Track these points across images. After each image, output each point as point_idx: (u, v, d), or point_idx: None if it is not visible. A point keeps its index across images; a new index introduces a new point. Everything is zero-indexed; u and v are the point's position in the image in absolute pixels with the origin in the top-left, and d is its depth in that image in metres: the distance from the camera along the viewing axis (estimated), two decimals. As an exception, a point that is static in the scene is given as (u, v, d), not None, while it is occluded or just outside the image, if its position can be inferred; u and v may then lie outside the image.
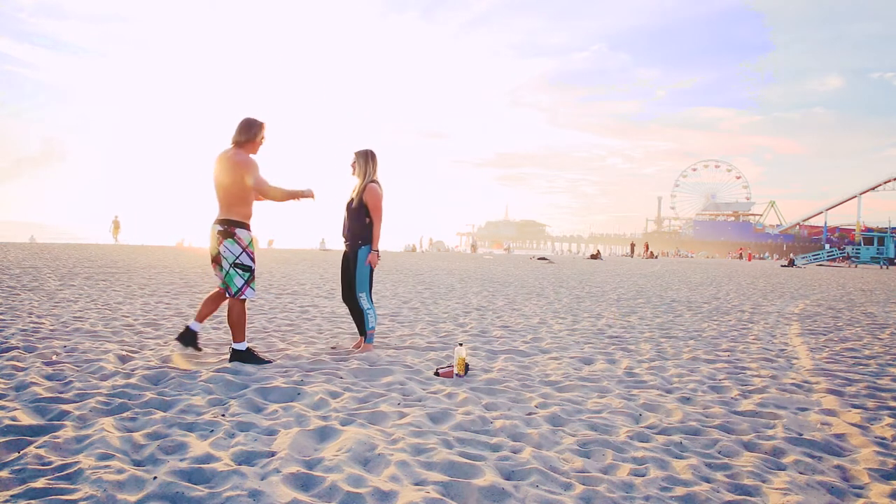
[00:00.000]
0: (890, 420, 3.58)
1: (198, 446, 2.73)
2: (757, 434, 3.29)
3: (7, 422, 2.89)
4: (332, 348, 5.19)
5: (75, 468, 2.42)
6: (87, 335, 5.32)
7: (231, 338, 4.46)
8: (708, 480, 2.65)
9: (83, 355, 4.45)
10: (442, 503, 2.29)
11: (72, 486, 2.28)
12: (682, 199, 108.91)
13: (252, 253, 4.37)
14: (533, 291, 11.94)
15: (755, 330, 7.41)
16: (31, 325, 5.64)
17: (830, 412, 3.76)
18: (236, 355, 4.42)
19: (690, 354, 5.58)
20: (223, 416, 3.21)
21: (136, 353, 4.66)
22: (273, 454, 2.71)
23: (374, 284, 5.30)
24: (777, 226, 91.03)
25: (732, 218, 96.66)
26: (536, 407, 3.67)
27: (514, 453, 2.87)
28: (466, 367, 4.40)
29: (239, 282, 4.32)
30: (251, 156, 4.34)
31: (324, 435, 2.99)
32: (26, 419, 2.99)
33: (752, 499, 2.49)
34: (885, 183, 76.54)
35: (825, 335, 7.12)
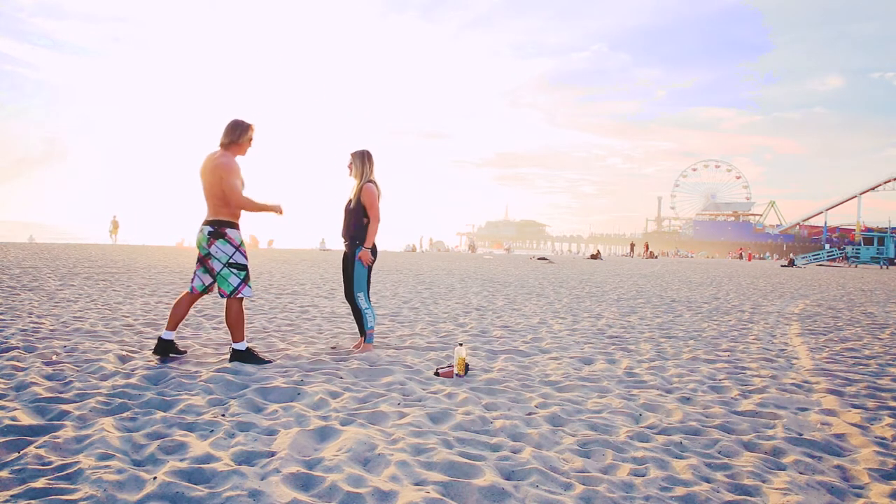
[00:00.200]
0: (890, 420, 3.58)
1: (198, 446, 2.74)
2: (757, 434, 3.29)
3: (7, 422, 2.89)
4: (332, 348, 5.20)
5: (75, 468, 2.42)
6: (87, 335, 5.32)
7: (230, 338, 4.46)
8: (708, 480, 2.65)
9: (83, 355, 4.45)
10: (442, 503, 2.29)
11: (72, 486, 2.28)
12: (682, 199, 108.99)
13: (245, 251, 4.37)
14: (533, 291, 11.94)
15: (755, 330, 7.41)
16: (31, 325, 5.64)
17: (830, 412, 3.76)
18: (236, 355, 4.42)
19: (690, 354, 5.58)
20: (223, 416, 3.21)
21: (136, 353, 4.66)
22: (273, 454, 2.71)
23: (373, 284, 5.30)
24: (777, 226, 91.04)
25: (732, 218, 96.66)
26: (536, 407, 3.67)
27: (514, 453, 2.87)
28: (466, 367, 4.40)
29: (235, 281, 4.32)
30: (236, 158, 4.33)
31: (324, 435, 2.99)
32: (26, 419, 2.99)
33: (752, 499, 2.49)
34: (885, 183, 76.55)
35: (825, 335, 7.12)
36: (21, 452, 2.57)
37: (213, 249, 4.26)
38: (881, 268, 38.04)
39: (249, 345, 4.89)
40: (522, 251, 74.64)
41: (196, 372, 4.08)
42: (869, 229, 62.77)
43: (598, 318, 8.02)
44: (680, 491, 2.51)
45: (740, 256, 59.10)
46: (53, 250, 19.39)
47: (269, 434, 2.99)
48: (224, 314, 4.47)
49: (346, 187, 5.12)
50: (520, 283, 14.20)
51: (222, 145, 4.33)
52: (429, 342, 5.74)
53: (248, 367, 4.26)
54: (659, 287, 14.24)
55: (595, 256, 35.33)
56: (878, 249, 46.82)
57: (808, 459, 2.92)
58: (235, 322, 4.39)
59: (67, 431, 2.83)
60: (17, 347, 4.58)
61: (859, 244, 50.25)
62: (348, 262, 5.08)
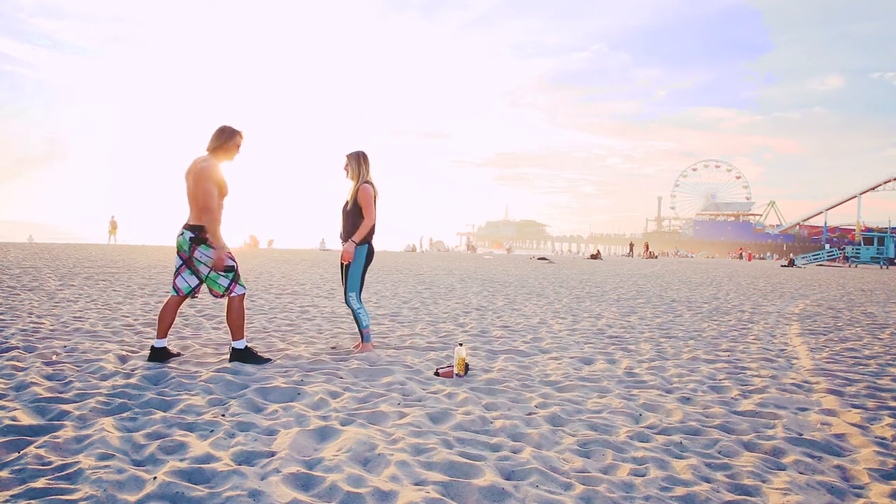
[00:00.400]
0: (890, 420, 3.58)
1: (198, 446, 2.74)
2: (757, 434, 3.29)
3: (7, 422, 2.89)
4: (332, 348, 5.20)
5: (75, 468, 2.42)
6: (87, 335, 5.32)
7: (230, 337, 4.46)
8: (708, 480, 2.65)
9: (83, 355, 4.45)
10: (442, 503, 2.29)
11: (72, 486, 2.28)
12: (682, 199, 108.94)
13: (230, 253, 4.36)
14: (533, 291, 11.94)
15: (755, 330, 7.41)
16: (31, 325, 5.64)
17: (830, 412, 3.76)
18: (236, 354, 4.42)
19: (690, 354, 5.58)
20: (223, 416, 3.21)
21: (136, 353, 4.66)
22: (273, 454, 2.71)
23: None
24: (777, 226, 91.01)
25: (732, 218, 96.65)
26: (536, 407, 3.67)
27: (514, 453, 2.87)
28: (466, 367, 4.40)
29: (224, 282, 4.33)
30: (223, 164, 4.33)
31: (324, 435, 2.99)
32: (26, 419, 2.99)
33: (752, 499, 2.49)
34: (885, 183, 76.51)
35: (825, 335, 7.12)
36: (21, 452, 2.57)
37: (196, 254, 4.25)
38: (881, 268, 38.03)
39: (249, 344, 4.90)
40: (522, 251, 74.66)
41: (196, 372, 4.08)
42: (869, 229, 62.76)
43: (598, 318, 8.02)
44: (680, 491, 2.51)
45: (740, 256, 59.09)
46: (53, 250, 19.39)
47: (269, 434, 2.99)
48: (225, 313, 4.47)
49: (346, 188, 5.13)
50: (520, 283, 14.20)
51: (209, 150, 4.35)
52: (429, 342, 5.74)
53: (248, 367, 4.26)
54: (659, 287, 14.24)
55: (595, 256, 35.33)
56: (878, 249, 46.82)
57: (808, 459, 2.92)
58: (236, 321, 4.40)
59: (67, 431, 2.83)
60: (17, 347, 4.58)
61: (859, 244, 50.25)
62: (345, 263, 5.09)
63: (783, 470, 2.81)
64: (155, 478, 2.36)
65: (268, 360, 4.51)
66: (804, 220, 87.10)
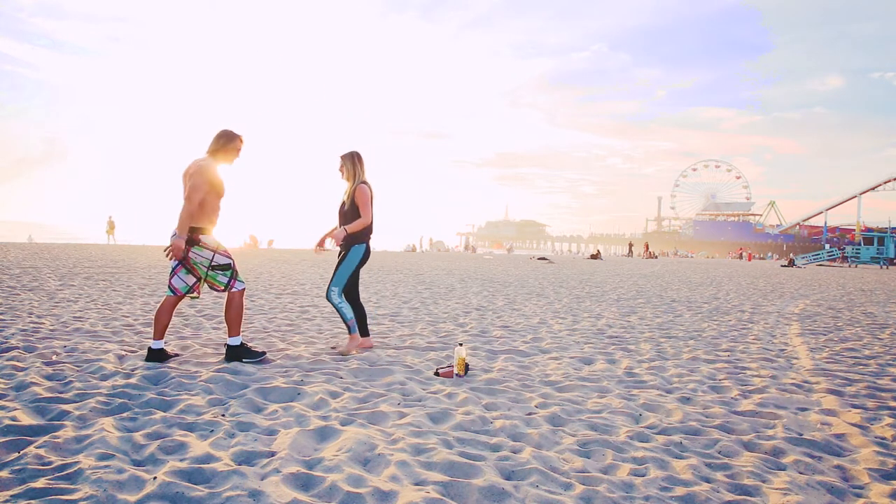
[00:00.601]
0: (890, 420, 3.58)
1: (198, 446, 2.73)
2: (757, 434, 3.29)
3: (7, 422, 2.89)
4: (332, 348, 5.19)
5: (75, 468, 2.42)
6: (87, 335, 5.32)
7: (227, 334, 4.47)
8: (708, 480, 2.65)
9: (83, 355, 4.45)
10: (442, 503, 2.29)
11: (72, 486, 2.28)
12: (682, 199, 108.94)
13: (225, 251, 4.36)
14: (533, 291, 11.94)
15: (755, 330, 7.41)
16: (31, 325, 5.64)
17: (830, 412, 3.76)
18: (231, 351, 4.44)
19: (690, 354, 5.58)
20: (223, 416, 3.21)
21: (136, 353, 4.66)
22: (273, 454, 2.71)
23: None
24: (777, 226, 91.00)
25: (732, 218, 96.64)
26: (536, 407, 3.67)
27: (514, 453, 2.87)
28: (466, 367, 4.40)
29: (223, 279, 4.35)
30: (221, 166, 4.36)
31: (324, 435, 2.99)
32: (26, 419, 2.99)
33: (752, 499, 2.49)
34: (885, 183, 76.52)
35: (825, 335, 7.12)
36: (21, 452, 2.57)
37: (191, 255, 4.27)
38: (881, 268, 38.03)
39: (249, 344, 4.90)
40: (522, 251, 74.66)
41: (196, 372, 4.08)
42: (869, 229, 62.76)
43: (598, 318, 8.02)
44: (680, 491, 2.51)
45: (740, 256, 59.08)
46: (53, 250, 19.39)
47: (269, 434, 2.99)
48: (224, 310, 4.48)
49: (342, 188, 5.13)
50: (520, 283, 14.20)
51: (208, 153, 4.39)
52: (429, 342, 5.74)
53: (248, 367, 4.26)
54: (659, 287, 14.24)
55: (595, 256, 35.32)
56: (878, 249, 46.82)
57: (808, 459, 2.92)
58: (235, 317, 4.43)
59: (67, 431, 2.82)
60: (17, 347, 4.58)
61: (859, 244, 50.24)
62: (341, 259, 5.08)
63: (783, 470, 2.81)
64: (155, 478, 2.36)
65: (263, 354, 4.52)
66: (804, 220, 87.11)
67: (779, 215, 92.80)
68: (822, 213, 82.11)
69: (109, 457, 2.56)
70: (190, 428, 3.01)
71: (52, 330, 5.46)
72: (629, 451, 2.97)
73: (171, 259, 4.28)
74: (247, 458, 2.66)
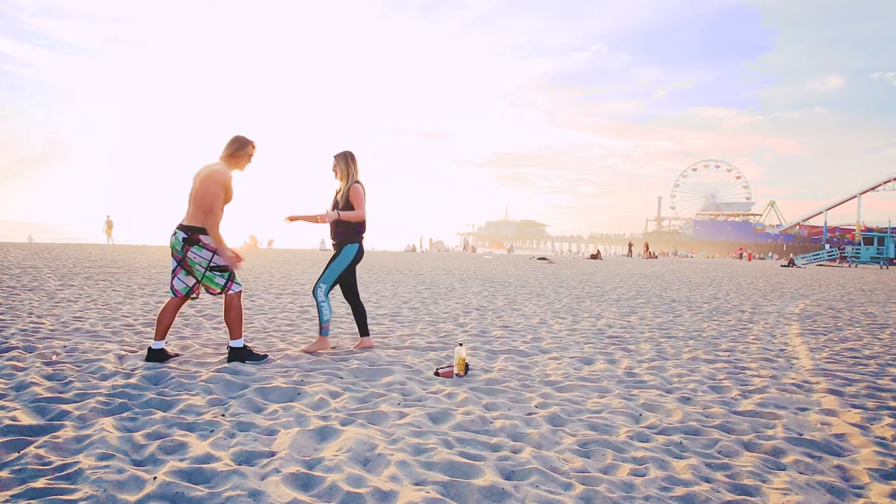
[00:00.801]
0: (890, 420, 3.58)
1: (198, 446, 2.73)
2: (757, 434, 3.29)
3: (7, 422, 2.89)
4: (332, 348, 5.19)
5: (75, 468, 2.42)
6: (87, 335, 5.32)
7: (228, 336, 4.47)
8: (708, 480, 2.65)
9: (83, 355, 4.45)
10: (442, 503, 2.29)
11: (72, 486, 2.28)
12: (682, 199, 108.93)
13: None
14: (533, 291, 11.94)
15: (755, 330, 7.41)
16: (31, 325, 5.64)
17: (830, 412, 3.76)
18: (234, 353, 4.43)
19: (690, 354, 5.58)
20: (223, 416, 3.21)
21: (136, 353, 4.66)
22: (273, 454, 2.71)
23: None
24: (777, 226, 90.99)
25: (732, 218, 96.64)
26: (536, 407, 3.67)
27: (514, 453, 2.87)
28: (466, 367, 4.40)
29: (220, 281, 4.34)
30: (231, 172, 4.38)
31: (324, 435, 2.99)
32: (26, 419, 2.99)
33: (752, 499, 2.49)
34: (885, 183, 76.49)
35: (825, 335, 7.12)
36: (21, 452, 2.57)
37: (190, 255, 4.27)
38: (881, 268, 38.03)
39: (249, 344, 4.90)
40: (523, 251, 74.68)
41: (196, 372, 4.08)
42: (869, 229, 62.75)
43: (598, 318, 8.02)
44: (680, 491, 2.51)
45: (740, 256, 59.08)
46: (53, 250, 19.39)
47: (269, 434, 2.99)
48: (223, 312, 4.48)
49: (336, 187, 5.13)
50: (520, 283, 14.20)
51: (221, 157, 4.40)
52: (429, 342, 5.74)
53: (249, 367, 4.26)
54: (659, 287, 14.24)
55: (595, 256, 35.32)
56: (878, 249, 46.80)
57: (808, 459, 2.92)
58: (235, 319, 4.41)
59: (67, 431, 2.82)
60: (17, 347, 4.58)
61: (859, 244, 50.23)
62: (333, 257, 5.06)
63: (783, 470, 2.81)
64: (155, 478, 2.36)
65: (265, 357, 4.52)
66: (804, 220, 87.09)
67: (779, 215, 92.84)
68: (822, 213, 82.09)
69: (109, 457, 2.56)
70: (190, 428, 3.01)
71: (52, 330, 5.46)
72: (629, 451, 2.97)
73: (234, 267, 4.34)
74: (247, 458, 2.66)
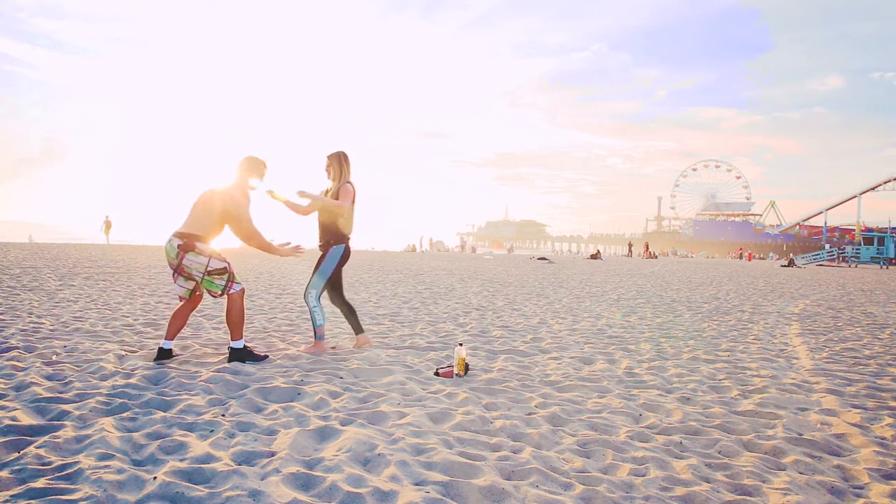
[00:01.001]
0: (890, 420, 3.58)
1: (198, 446, 2.73)
2: (757, 434, 3.29)
3: (7, 422, 2.89)
4: (332, 348, 5.19)
5: (75, 468, 2.42)
6: (87, 335, 5.32)
7: (229, 336, 4.47)
8: (708, 480, 2.65)
9: (83, 355, 4.45)
10: (442, 503, 2.29)
11: (72, 486, 2.28)
12: (682, 199, 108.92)
13: (220, 256, 4.37)
14: (533, 291, 11.94)
15: (755, 330, 7.41)
16: (31, 325, 5.64)
17: (830, 412, 3.76)
18: (234, 354, 4.43)
19: (690, 354, 5.58)
20: (223, 416, 3.21)
21: (136, 353, 4.66)
22: (273, 454, 2.71)
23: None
24: (777, 226, 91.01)
25: (732, 218, 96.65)
26: (536, 407, 3.67)
27: (514, 453, 2.87)
28: (466, 367, 4.40)
29: (220, 283, 4.35)
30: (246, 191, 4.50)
31: (324, 435, 2.99)
32: (26, 419, 2.99)
33: (752, 499, 2.49)
34: (885, 183, 76.51)
35: (825, 335, 7.12)
36: (21, 452, 2.57)
37: (185, 262, 4.28)
38: (881, 268, 38.03)
39: (249, 344, 4.90)
40: (523, 251, 74.69)
41: (196, 372, 4.08)
42: (869, 229, 62.72)
43: (598, 318, 8.02)
44: (680, 491, 2.51)
45: (740, 256, 59.08)
46: (53, 250, 19.39)
47: (269, 434, 2.99)
48: (225, 313, 4.48)
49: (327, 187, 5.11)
50: (520, 283, 14.20)
51: (236, 177, 4.50)
52: (429, 342, 5.74)
53: (248, 367, 4.26)
54: (659, 287, 14.24)
55: (595, 256, 35.33)
56: (878, 249, 46.75)
57: (808, 459, 2.92)
58: (236, 320, 4.41)
59: (67, 431, 2.82)
60: (17, 347, 4.58)
61: (859, 244, 50.20)
62: (320, 259, 5.03)
63: (783, 470, 2.81)
64: (155, 478, 2.36)
65: (265, 357, 4.52)
66: (804, 220, 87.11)
67: (779, 215, 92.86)
68: (822, 213, 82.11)
69: (109, 457, 2.56)
70: (190, 428, 3.01)
71: (52, 330, 5.46)
72: (629, 451, 2.97)
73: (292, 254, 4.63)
74: (247, 458, 2.66)
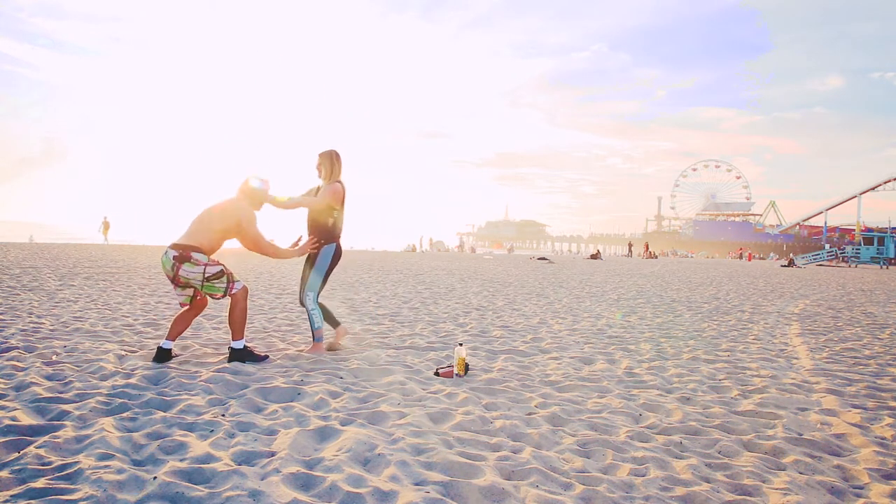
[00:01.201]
0: (890, 420, 3.58)
1: (198, 446, 2.73)
2: (757, 434, 3.29)
3: (7, 422, 2.89)
4: (332, 349, 5.19)
5: (75, 468, 2.42)
6: (87, 335, 5.32)
7: (230, 336, 4.47)
8: (708, 480, 2.65)
9: (83, 355, 4.45)
10: (442, 503, 2.29)
11: (72, 486, 2.28)
12: (682, 199, 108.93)
13: (215, 261, 4.37)
14: (533, 291, 11.94)
15: (755, 330, 7.41)
16: (31, 325, 5.64)
17: (830, 412, 3.76)
18: (235, 354, 4.43)
19: (690, 354, 5.58)
20: (223, 416, 3.21)
21: (136, 353, 4.66)
22: (273, 454, 2.71)
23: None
24: (777, 226, 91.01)
25: (732, 218, 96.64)
26: (536, 407, 3.67)
27: (514, 453, 2.87)
28: (466, 367, 4.40)
29: (221, 286, 4.35)
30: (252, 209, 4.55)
31: (324, 435, 2.99)
32: (26, 419, 2.99)
33: (752, 499, 2.49)
34: (885, 183, 76.50)
35: (825, 335, 7.12)
36: (21, 452, 2.57)
37: (182, 272, 4.28)
38: (881, 268, 38.02)
39: (249, 345, 4.89)
40: (523, 251, 74.68)
41: (196, 372, 4.08)
42: (869, 229, 62.71)
43: (598, 318, 8.02)
44: (680, 491, 2.51)
45: (740, 256, 59.08)
46: (53, 250, 19.39)
47: (269, 434, 2.99)
48: (227, 313, 4.47)
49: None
50: (520, 283, 14.20)
51: (245, 196, 4.54)
52: (429, 342, 5.74)
53: (248, 367, 4.26)
54: (659, 287, 14.24)
55: (595, 256, 35.33)
56: (878, 249, 46.74)
57: (808, 459, 2.92)
58: (238, 319, 4.41)
59: (67, 431, 2.82)
60: (17, 347, 4.58)
61: (859, 244, 50.19)
62: (309, 260, 5.01)
63: (783, 470, 2.81)
64: (155, 478, 2.36)
65: (265, 358, 4.52)
66: (804, 220, 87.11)
67: (779, 215, 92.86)
68: (822, 213, 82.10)
69: (109, 457, 2.56)
70: (190, 428, 3.01)
71: (52, 330, 5.46)
72: (629, 451, 2.97)
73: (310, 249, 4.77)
74: (247, 458, 2.66)
